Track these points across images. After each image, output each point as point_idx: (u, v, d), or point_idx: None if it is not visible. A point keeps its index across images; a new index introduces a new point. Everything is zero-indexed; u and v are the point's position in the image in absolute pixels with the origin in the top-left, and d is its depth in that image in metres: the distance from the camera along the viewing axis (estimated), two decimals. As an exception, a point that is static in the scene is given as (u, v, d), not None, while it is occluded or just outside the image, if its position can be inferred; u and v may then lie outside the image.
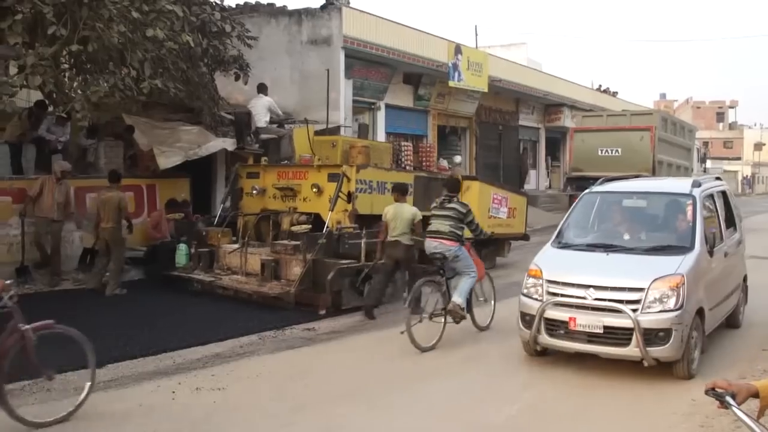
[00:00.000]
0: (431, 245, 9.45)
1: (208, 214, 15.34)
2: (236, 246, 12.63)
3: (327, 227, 11.83)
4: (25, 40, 11.27)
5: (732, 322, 10.01)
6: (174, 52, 12.63)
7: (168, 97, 13.71)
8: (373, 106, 24.02)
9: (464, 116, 29.87)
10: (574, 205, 9.70)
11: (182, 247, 13.18)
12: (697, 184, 9.01)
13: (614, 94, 45.08)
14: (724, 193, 10.11)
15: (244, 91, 17.95)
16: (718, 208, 9.48)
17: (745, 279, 10.50)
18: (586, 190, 9.71)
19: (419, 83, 26.08)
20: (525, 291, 8.19)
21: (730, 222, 10.04)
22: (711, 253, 8.29)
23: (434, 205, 9.81)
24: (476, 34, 48.04)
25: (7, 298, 6.07)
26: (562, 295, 7.83)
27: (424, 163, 25.16)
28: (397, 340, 8.79)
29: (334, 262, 11.15)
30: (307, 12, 20.92)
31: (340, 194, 12.16)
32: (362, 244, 11.60)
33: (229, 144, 15.51)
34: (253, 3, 21.73)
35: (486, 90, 27.94)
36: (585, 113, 31.00)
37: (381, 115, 24.33)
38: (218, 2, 15.67)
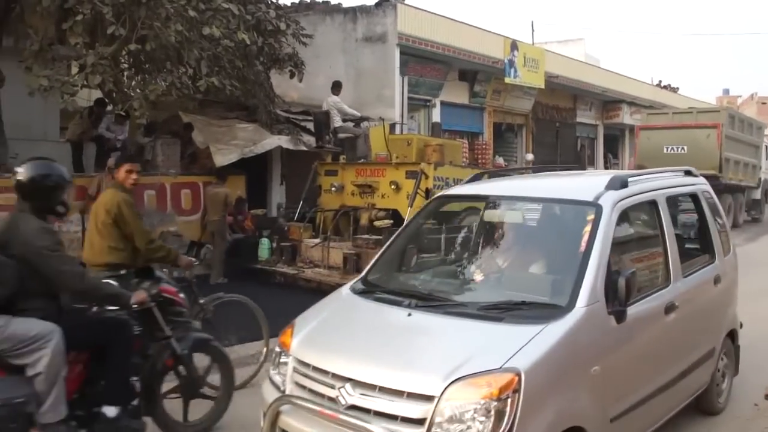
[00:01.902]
0: None
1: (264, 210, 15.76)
2: (318, 240, 13.20)
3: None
4: (86, 41, 11.48)
5: (705, 405, 6.51)
6: (230, 51, 12.74)
7: (224, 95, 13.84)
8: (428, 104, 23.96)
9: (520, 113, 29.59)
10: (414, 215, 7.21)
11: (264, 242, 13.87)
12: (615, 184, 5.27)
13: (675, 90, 44.21)
14: (694, 197, 6.61)
15: (299, 88, 18.04)
16: (665, 225, 5.68)
17: (733, 336, 6.88)
18: (438, 194, 6.95)
19: (475, 80, 25.92)
20: (271, 369, 4.92)
21: (704, 247, 6.61)
22: (621, 315, 4.63)
23: None
24: (533, 31, 47.52)
25: (187, 274, 6.57)
26: (310, 390, 4.43)
27: (479, 161, 25.01)
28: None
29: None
30: (362, 9, 20.96)
31: (419, 191, 12.61)
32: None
33: (284, 141, 15.58)
34: (308, 1, 21.88)
35: (542, 86, 27.63)
36: (650, 111, 30.46)
37: (436, 113, 24.25)
38: (273, 0, 15.77)
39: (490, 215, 6.12)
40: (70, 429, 4.70)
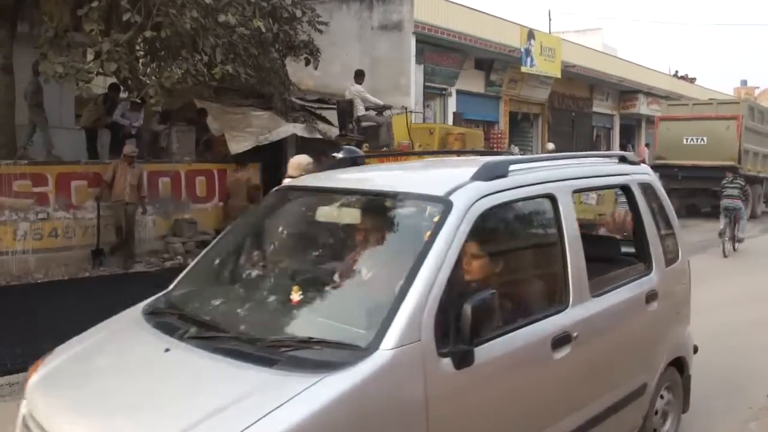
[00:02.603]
0: None
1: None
2: None
3: None
4: (101, 28, 11.43)
5: None
6: (245, 38, 12.65)
7: (239, 82, 13.77)
8: (444, 92, 23.85)
9: (536, 102, 29.44)
10: (248, 213, 6.46)
11: None
12: (486, 174, 3.96)
13: (692, 80, 43.85)
14: (627, 191, 5.22)
15: (314, 76, 17.94)
16: (567, 227, 4.32)
17: (681, 366, 5.49)
18: (276, 187, 5.23)
19: (491, 69, 25.80)
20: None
21: (639, 254, 5.31)
22: (464, 357, 3.40)
23: None
24: (550, 20, 47.14)
25: None
26: None
27: (495, 150, 24.89)
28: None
29: None
30: (379, -3, 20.84)
31: None
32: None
33: (299, 129, 15.51)
34: (325, -12, 21.72)
35: (559, 76, 27.48)
36: (671, 102, 30.33)
37: (452, 101, 24.13)
38: (289, -12, 15.66)
39: (323, 214, 4.61)
40: None
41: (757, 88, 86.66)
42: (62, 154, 13.47)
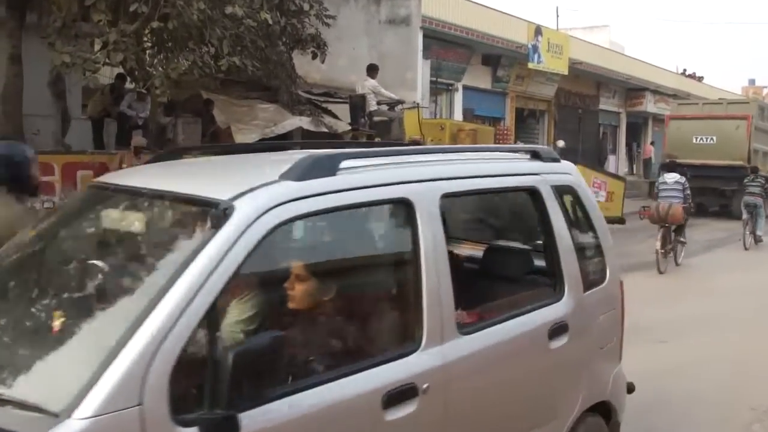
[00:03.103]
0: None
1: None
2: None
3: None
4: (109, 18, 11.42)
5: None
6: (252, 30, 12.63)
7: (246, 75, 13.75)
8: (450, 88, 23.83)
9: (543, 99, 29.42)
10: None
11: None
12: (296, 172, 2.98)
13: (700, 79, 43.70)
14: (535, 195, 4.15)
15: (321, 70, 17.91)
16: (425, 243, 3.31)
17: (607, 412, 4.45)
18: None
19: (498, 65, 25.79)
20: None
21: (550, 275, 4.24)
22: (223, 425, 2.41)
23: None
24: (557, 16, 47.11)
25: None
26: None
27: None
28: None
29: None
30: (386, -9, 20.80)
31: None
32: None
33: (305, 122, 15.50)
34: (332, -18, 21.68)
35: (566, 72, 27.47)
36: (681, 101, 30.40)
37: (458, 97, 24.11)
38: (297, -20, 15.64)
39: (107, 218, 3.41)
40: None
41: (765, 87, 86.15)
42: (69, 143, 13.50)
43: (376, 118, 15.69)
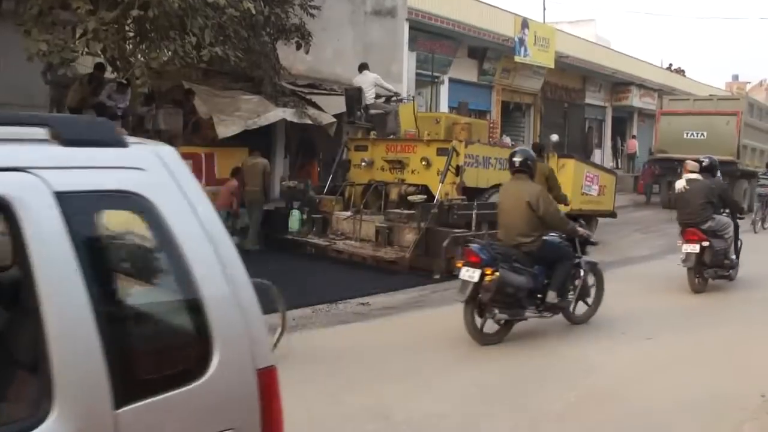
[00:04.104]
0: None
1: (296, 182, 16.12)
2: (349, 213, 13.55)
3: (437, 198, 12.60)
4: (88, 7, 11.16)
5: None
6: (235, 20, 12.41)
7: (229, 65, 13.57)
8: (436, 80, 23.62)
9: (529, 92, 29.29)
10: None
11: (295, 213, 14.03)
12: None
13: (682, 72, 43.75)
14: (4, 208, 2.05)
15: (306, 61, 17.70)
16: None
17: None
18: None
19: (484, 57, 25.65)
20: None
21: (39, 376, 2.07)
22: None
23: None
24: (544, 9, 46.92)
25: None
26: None
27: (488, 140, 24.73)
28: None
29: (448, 231, 11.70)
30: (372, -18, 20.59)
31: (450, 168, 12.94)
32: (474, 215, 12.27)
33: (288, 114, 15.31)
34: (317, -28, 21.43)
35: (552, 66, 27.35)
36: (672, 96, 30.60)
37: (444, 90, 23.94)
38: (281, -31, 15.39)
39: None
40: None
41: (749, 83, 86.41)
42: None
43: (372, 111, 15.56)
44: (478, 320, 7.68)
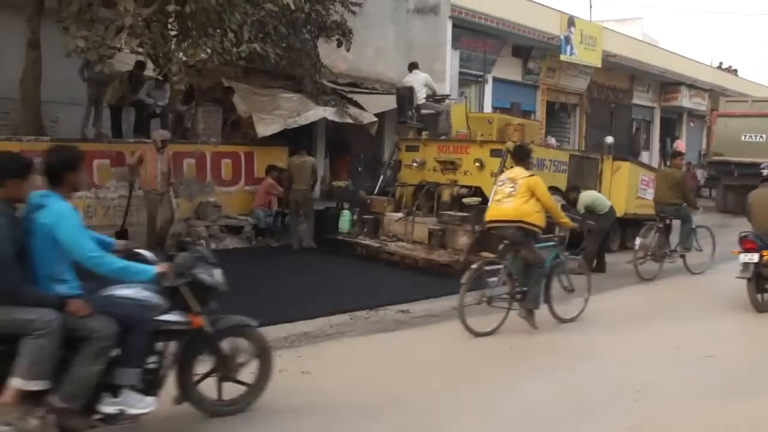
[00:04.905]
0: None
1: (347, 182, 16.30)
2: (401, 214, 13.30)
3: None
4: (133, 5, 11.11)
5: None
6: (275, 16, 12.29)
7: (269, 63, 13.48)
8: (479, 79, 23.34)
9: (575, 92, 28.84)
10: None
11: (346, 214, 13.90)
12: None
13: (734, 71, 42.73)
14: None
15: (347, 60, 17.56)
16: None
17: None
18: None
19: (529, 56, 25.29)
20: None
21: None
22: None
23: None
24: (590, 7, 46.25)
25: None
26: None
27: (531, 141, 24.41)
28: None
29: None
30: (415, -21, 20.39)
31: (504, 169, 12.44)
32: None
33: (329, 113, 15.19)
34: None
35: (599, 65, 26.89)
36: (729, 98, 29.77)
37: (488, 89, 23.63)
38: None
39: None
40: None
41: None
42: (99, 131, 13.49)
43: (423, 111, 15.40)
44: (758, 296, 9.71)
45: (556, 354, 7.81)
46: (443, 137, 14.73)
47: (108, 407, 4.68)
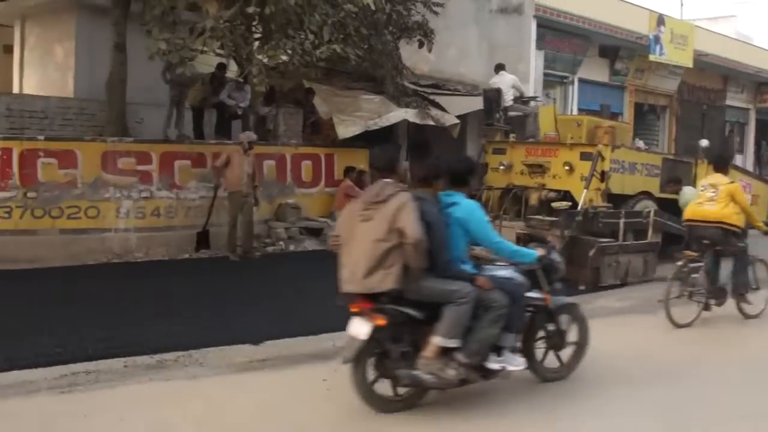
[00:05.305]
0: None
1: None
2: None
3: (581, 205, 12.08)
4: (216, 8, 11.20)
5: None
6: (355, 17, 12.19)
7: (350, 65, 13.44)
8: (565, 80, 22.90)
9: (664, 94, 27.97)
10: None
11: None
12: None
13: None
14: None
15: (429, 61, 17.38)
16: None
17: None
18: None
19: (616, 57, 24.62)
20: None
21: None
22: None
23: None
24: (681, 5, 44.82)
25: None
26: None
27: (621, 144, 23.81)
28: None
29: (594, 240, 11.35)
30: (498, -21, 20.08)
31: (594, 173, 12.41)
32: (621, 224, 11.83)
33: (411, 114, 15.06)
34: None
35: (690, 65, 25.98)
36: None
37: (573, 90, 23.13)
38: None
39: None
40: None
41: None
42: (182, 132, 13.66)
43: (511, 113, 15.17)
44: None
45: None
46: (531, 140, 14.47)
47: (493, 364, 5.72)
